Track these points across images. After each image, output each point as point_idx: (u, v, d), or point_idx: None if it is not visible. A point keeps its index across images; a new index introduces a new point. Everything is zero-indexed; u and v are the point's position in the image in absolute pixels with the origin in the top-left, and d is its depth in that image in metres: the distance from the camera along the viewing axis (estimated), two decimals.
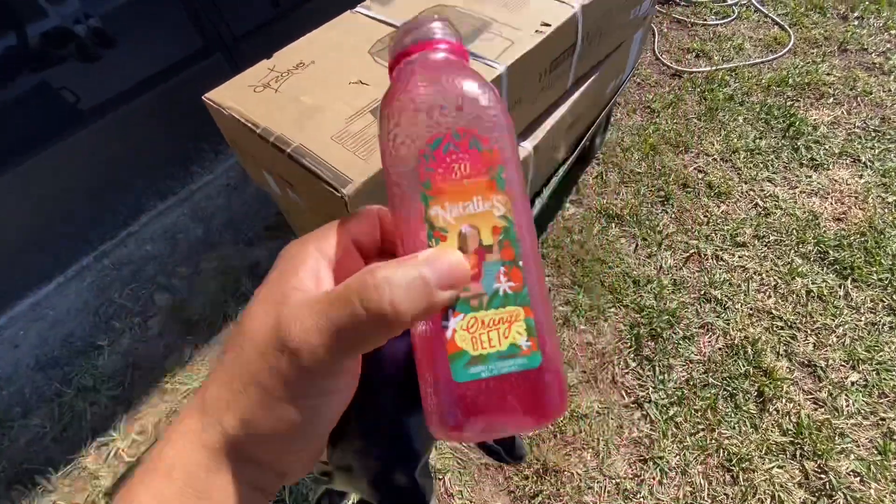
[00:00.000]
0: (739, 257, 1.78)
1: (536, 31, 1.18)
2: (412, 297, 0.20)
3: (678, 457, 1.37)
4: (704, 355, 1.55)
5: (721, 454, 1.36)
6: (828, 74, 2.42)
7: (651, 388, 1.50)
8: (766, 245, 1.81)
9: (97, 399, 1.65)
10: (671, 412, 1.44)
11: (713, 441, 1.38)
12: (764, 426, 1.40)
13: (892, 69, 2.40)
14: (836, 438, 1.36)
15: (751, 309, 1.64)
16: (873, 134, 2.13)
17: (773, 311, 1.63)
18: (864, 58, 2.50)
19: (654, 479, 1.35)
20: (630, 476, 1.37)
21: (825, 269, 1.71)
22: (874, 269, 1.68)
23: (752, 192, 1.98)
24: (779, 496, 1.29)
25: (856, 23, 2.70)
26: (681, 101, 2.42)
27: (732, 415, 1.42)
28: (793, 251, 1.77)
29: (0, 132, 1.70)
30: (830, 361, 1.50)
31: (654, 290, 1.71)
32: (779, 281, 1.70)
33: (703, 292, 1.70)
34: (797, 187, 1.97)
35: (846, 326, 1.57)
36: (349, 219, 0.26)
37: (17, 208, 1.81)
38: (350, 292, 0.20)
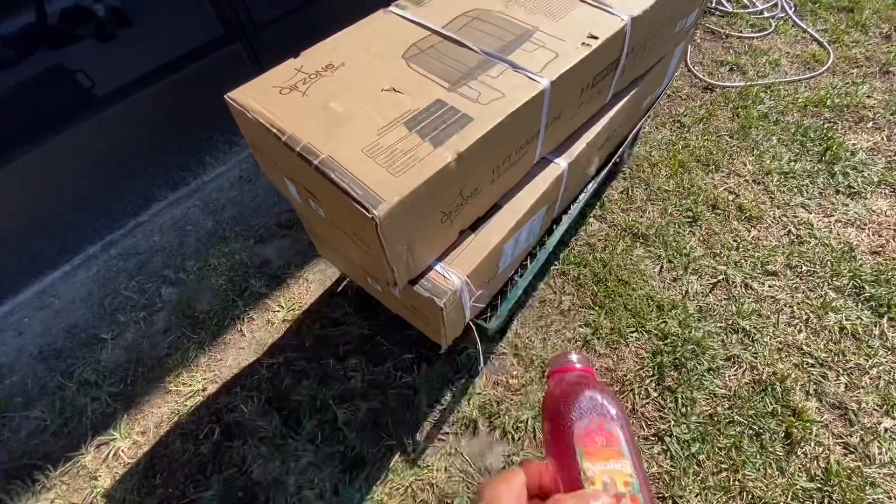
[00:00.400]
0: (770, 287, 1.71)
1: (583, 43, 1.10)
2: None
3: (699, 497, 1.31)
4: (730, 389, 1.49)
5: (745, 497, 1.30)
6: (868, 97, 2.32)
7: (673, 421, 1.43)
8: (798, 275, 1.73)
9: (98, 395, 1.61)
10: (693, 448, 1.38)
11: (736, 483, 1.32)
12: (791, 470, 1.33)
13: None
14: (867, 488, 1.29)
15: (780, 343, 1.57)
16: None
17: (804, 347, 1.56)
18: None
19: None
20: None
21: (860, 305, 1.64)
22: None
23: (784, 218, 1.90)
24: None
25: None
26: (713, 116, 2.33)
27: (758, 456, 1.36)
28: (826, 284, 1.70)
29: (13, 115, 1.65)
30: (863, 405, 1.43)
31: (679, 316, 1.65)
32: (811, 315, 1.63)
33: (730, 322, 1.63)
34: (832, 216, 1.89)
35: (881, 368, 1.50)
36: (521, 470, 0.38)
37: (26, 194, 1.76)
38: None
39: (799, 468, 1.34)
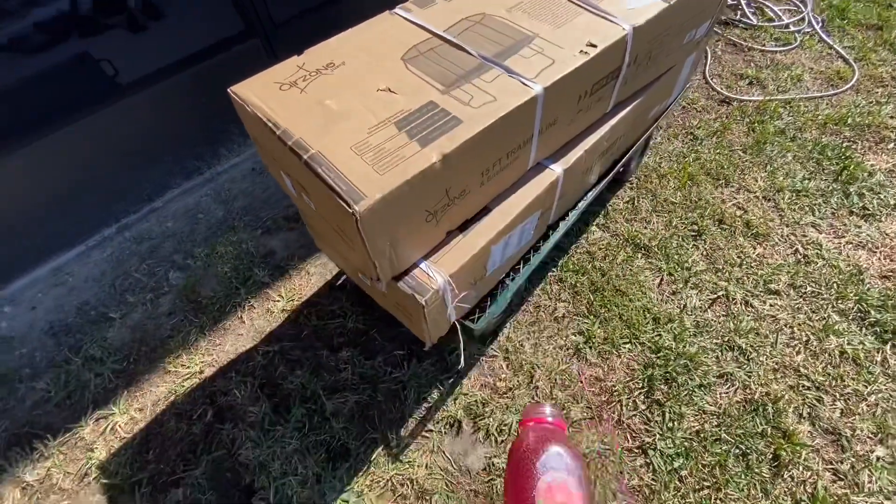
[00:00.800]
0: (771, 306, 1.68)
1: (581, 51, 1.11)
2: None
3: None
4: (720, 407, 1.46)
5: None
6: (892, 117, 2.25)
7: (658, 435, 1.42)
8: (801, 296, 1.69)
9: (102, 371, 1.67)
10: (676, 464, 1.36)
11: (717, 502, 1.30)
12: (776, 493, 1.31)
13: None
14: None
15: (776, 363, 1.54)
16: None
17: (801, 369, 1.52)
18: None
19: None
20: None
21: (864, 329, 1.59)
22: None
23: (793, 237, 1.86)
24: None
25: None
26: (727, 129, 2.29)
27: (743, 476, 1.34)
28: (830, 306, 1.65)
29: (38, 99, 1.73)
30: (857, 432, 1.39)
31: (675, 330, 1.63)
32: (811, 337, 1.59)
33: (726, 339, 1.60)
34: (844, 237, 1.84)
35: (879, 395, 1.45)
36: None
37: (47, 174, 1.85)
38: None
39: (784, 491, 1.31)
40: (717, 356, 1.57)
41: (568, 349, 1.62)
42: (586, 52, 1.10)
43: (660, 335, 1.62)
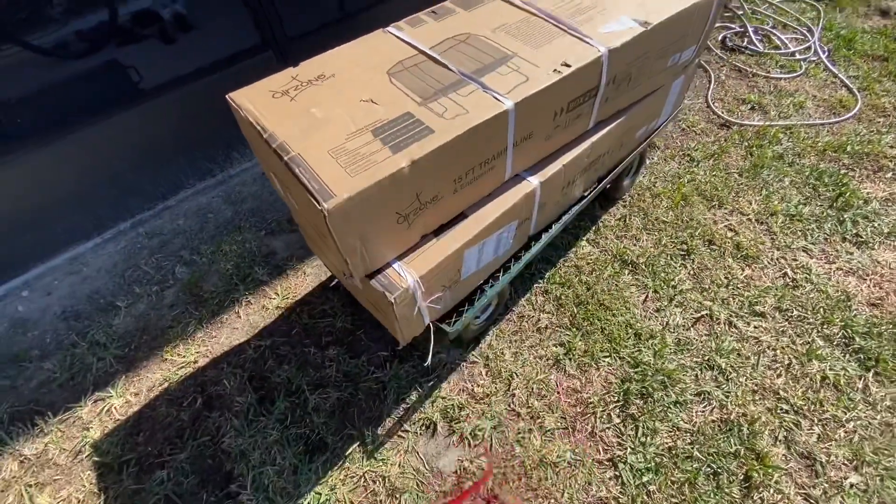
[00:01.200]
0: (755, 327, 1.67)
1: (555, 70, 1.17)
2: None
3: None
4: (694, 425, 1.46)
5: None
6: (891, 147, 2.24)
7: (630, 449, 1.43)
8: (787, 319, 1.69)
9: (105, 356, 1.77)
10: (645, 478, 1.37)
11: None
12: None
13: None
14: None
15: (756, 385, 1.54)
16: None
17: (781, 392, 1.51)
18: None
19: None
20: None
21: (848, 356, 1.58)
22: None
23: (783, 260, 1.86)
24: None
25: None
26: (725, 152, 2.31)
27: (712, 495, 1.33)
28: (815, 331, 1.64)
29: (66, 100, 1.88)
30: (832, 457, 1.38)
31: (656, 346, 1.64)
32: (793, 360, 1.58)
33: (707, 358, 1.61)
34: (835, 262, 1.83)
35: (858, 423, 1.43)
36: None
37: (70, 170, 1.99)
38: None
39: None
40: (695, 374, 1.57)
41: (548, 359, 1.65)
42: (559, 71, 1.17)
43: (640, 350, 1.63)
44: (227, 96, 1.16)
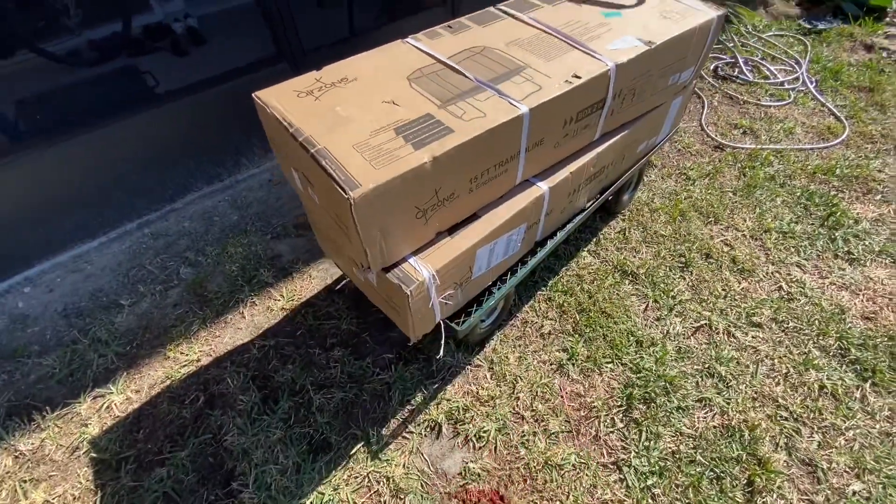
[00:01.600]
0: (753, 337, 1.72)
1: (566, 81, 1.24)
2: None
3: None
4: (697, 430, 1.48)
5: None
6: (879, 171, 2.34)
7: (634, 453, 1.44)
8: (783, 330, 1.73)
9: (106, 353, 1.76)
10: (650, 482, 1.38)
11: None
12: None
13: None
14: None
15: (755, 392, 1.57)
16: None
17: (780, 400, 1.54)
18: None
19: None
20: None
21: (844, 366, 1.62)
22: None
23: (777, 275, 1.92)
24: None
25: None
26: (719, 172, 2.40)
27: (716, 498, 1.34)
28: (812, 342, 1.69)
29: (83, 101, 1.92)
30: (834, 465, 1.40)
31: (657, 353, 1.67)
32: (791, 369, 1.62)
33: (707, 366, 1.64)
34: (827, 278, 1.90)
35: (857, 431, 1.46)
36: None
37: (81, 169, 2.01)
38: None
39: None
40: (696, 381, 1.60)
41: (551, 364, 1.67)
42: (570, 82, 1.23)
43: (642, 357, 1.66)
44: (253, 94, 1.21)
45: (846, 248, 2.00)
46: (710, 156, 2.53)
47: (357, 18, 2.49)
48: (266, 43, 2.28)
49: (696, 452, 1.43)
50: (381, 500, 1.39)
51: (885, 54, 3.19)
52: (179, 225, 2.27)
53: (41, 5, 1.72)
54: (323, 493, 1.39)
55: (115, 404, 1.62)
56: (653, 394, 1.56)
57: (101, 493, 1.42)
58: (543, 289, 1.89)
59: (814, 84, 2.97)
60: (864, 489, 1.35)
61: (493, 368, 1.67)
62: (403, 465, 1.45)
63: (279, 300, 1.92)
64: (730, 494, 1.35)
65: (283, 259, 2.09)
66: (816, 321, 1.74)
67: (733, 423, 1.49)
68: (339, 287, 1.93)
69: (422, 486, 1.41)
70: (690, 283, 1.90)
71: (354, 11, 2.47)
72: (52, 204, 2.00)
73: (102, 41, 1.93)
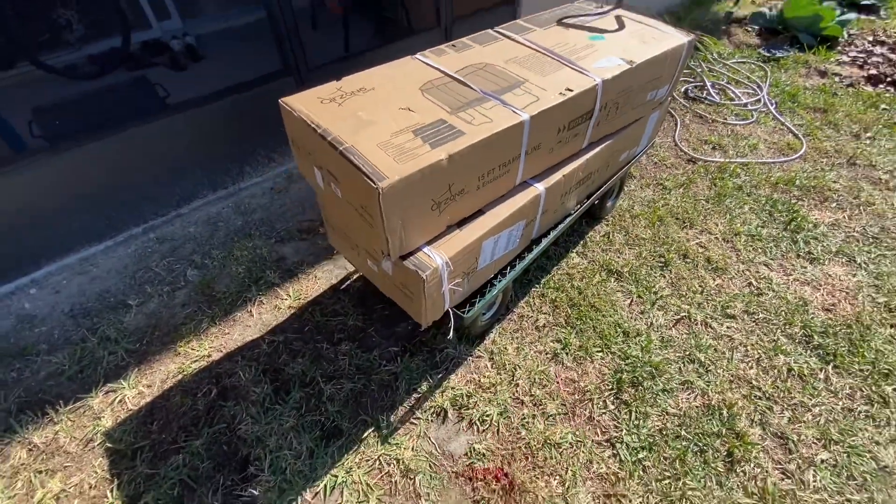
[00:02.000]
0: (728, 328, 1.88)
1: (560, 93, 1.41)
2: None
3: (641, 499, 1.41)
4: (681, 410, 1.62)
5: (684, 503, 1.40)
6: (834, 182, 2.60)
7: (625, 431, 1.56)
8: (754, 321, 1.91)
9: (116, 350, 1.80)
10: (641, 455, 1.50)
11: (678, 490, 1.43)
12: (729, 485, 1.44)
13: None
14: None
15: (732, 375, 1.72)
16: (871, 240, 2.26)
17: (754, 382, 1.70)
18: (872, 173, 2.68)
19: None
20: None
21: (809, 351, 1.79)
22: (856, 359, 1.75)
23: (747, 272, 2.11)
24: None
25: (867, 141, 2.91)
26: (692, 182, 2.62)
27: (700, 469, 1.47)
28: (779, 330, 1.87)
29: (96, 109, 2.01)
30: (803, 437, 1.55)
31: (642, 342, 1.82)
32: (762, 355, 1.78)
33: (688, 353, 1.79)
34: (791, 275, 2.09)
35: (822, 408, 1.62)
36: None
37: (90, 174, 2.08)
38: None
39: (737, 484, 1.44)
40: (679, 367, 1.75)
41: (547, 353, 1.79)
42: (564, 94, 1.40)
43: (629, 346, 1.80)
44: (279, 100, 1.33)
45: (807, 249, 2.21)
46: (683, 168, 2.75)
47: (352, 41, 2.65)
48: (274, 57, 2.41)
49: (680, 429, 1.57)
50: (392, 480, 1.47)
51: (837, 79, 3.53)
52: (185, 230, 2.34)
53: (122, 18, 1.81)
54: (336, 476, 1.47)
55: (128, 398, 1.66)
56: (640, 378, 1.70)
57: (118, 481, 1.46)
58: (537, 286, 2.03)
59: (774, 105, 3.26)
60: (830, 458, 1.50)
61: (493, 358, 1.78)
62: (412, 448, 1.54)
63: (286, 299, 2.00)
64: (712, 465, 1.48)
65: (289, 261, 2.18)
66: (783, 312, 1.92)
67: (713, 403, 1.64)
68: (344, 286, 2.03)
69: (430, 466, 1.50)
70: (670, 281, 2.07)
71: (351, 33, 2.64)
72: (58, 208, 2.05)
73: (101, 56, 2.00)
